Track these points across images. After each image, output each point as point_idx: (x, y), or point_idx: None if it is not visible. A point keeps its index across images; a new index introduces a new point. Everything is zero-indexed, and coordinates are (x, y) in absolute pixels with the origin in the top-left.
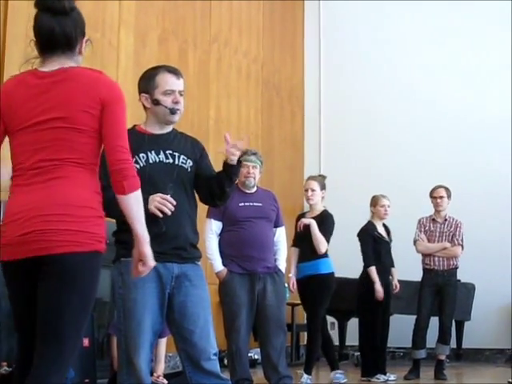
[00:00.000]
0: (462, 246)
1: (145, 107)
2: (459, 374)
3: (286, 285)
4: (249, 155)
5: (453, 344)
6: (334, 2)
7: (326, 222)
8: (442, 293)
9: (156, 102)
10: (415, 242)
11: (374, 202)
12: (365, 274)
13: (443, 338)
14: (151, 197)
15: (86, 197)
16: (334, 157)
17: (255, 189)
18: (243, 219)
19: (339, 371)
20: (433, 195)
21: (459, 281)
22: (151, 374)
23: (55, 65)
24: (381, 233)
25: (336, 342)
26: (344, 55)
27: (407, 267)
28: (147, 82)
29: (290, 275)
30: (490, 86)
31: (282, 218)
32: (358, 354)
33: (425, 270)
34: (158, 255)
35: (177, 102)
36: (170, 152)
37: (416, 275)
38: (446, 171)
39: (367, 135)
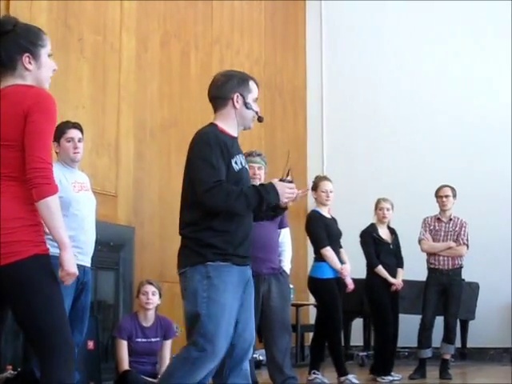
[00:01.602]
0: (467, 245)
1: (222, 106)
2: (464, 374)
3: (291, 286)
4: (254, 156)
5: (458, 343)
6: (335, 3)
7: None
8: (447, 292)
9: (249, 106)
10: (420, 241)
11: (376, 204)
12: (370, 276)
13: (448, 337)
14: (277, 184)
15: (16, 208)
16: (337, 158)
17: None
18: None
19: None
20: (438, 194)
21: (464, 280)
22: (155, 377)
23: (2, 84)
24: (381, 235)
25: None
26: (346, 56)
27: (412, 267)
28: (241, 83)
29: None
30: (492, 88)
31: (286, 219)
32: (364, 354)
33: (430, 270)
34: (247, 259)
35: (258, 111)
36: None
37: (421, 275)
38: (449, 172)
39: (370, 136)
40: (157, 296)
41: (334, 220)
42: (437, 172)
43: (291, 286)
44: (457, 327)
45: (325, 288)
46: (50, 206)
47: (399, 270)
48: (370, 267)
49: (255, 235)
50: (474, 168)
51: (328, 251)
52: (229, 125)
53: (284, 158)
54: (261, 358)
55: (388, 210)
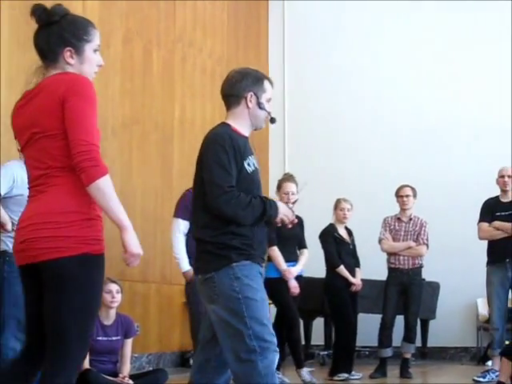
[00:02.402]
0: (427, 245)
1: (235, 105)
2: (424, 373)
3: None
4: None
5: (418, 342)
6: (298, 3)
7: None
8: (407, 292)
9: (262, 106)
10: (380, 241)
11: (335, 205)
12: (330, 276)
13: (408, 336)
14: (280, 205)
15: (69, 202)
16: (298, 158)
17: None
18: None
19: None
20: (399, 194)
21: (424, 280)
22: (116, 375)
23: (43, 76)
24: (342, 235)
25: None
26: (308, 56)
27: (372, 266)
28: (256, 82)
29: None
30: (452, 87)
31: None
32: (324, 353)
33: (390, 269)
34: (264, 262)
35: (270, 112)
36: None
37: (381, 274)
38: (409, 172)
39: (332, 136)
40: (120, 294)
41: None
42: (397, 172)
43: None
44: (417, 326)
45: (271, 287)
46: (101, 187)
47: (357, 269)
48: (331, 267)
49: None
50: (435, 168)
51: (273, 251)
52: (241, 124)
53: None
54: None
55: (348, 210)
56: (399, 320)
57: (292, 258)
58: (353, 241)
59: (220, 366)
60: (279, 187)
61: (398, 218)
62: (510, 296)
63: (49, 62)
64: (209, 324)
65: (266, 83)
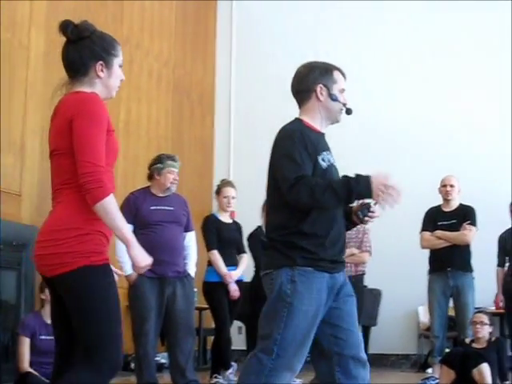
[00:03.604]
0: (370, 252)
1: (306, 100)
2: None
3: (195, 289)
4: (175, 161)
5: None
6: (246, 5)
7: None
8: None
9: (334, 98)
10: None
11: (262, 208)
12: (257, 279)
13: None
14: (372, 178)
15: (70, 219)
16: (243, 162)
17: (167, 193)
18: (155, 223)
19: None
20: None
21: (366, 287)
22: None
23: (68, 90)
24: None
25: (243, 347)
26: (256, 60)
27: None
28: (325, 73)
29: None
30: (399, 87)
31: (192, 223)
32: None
33: None
34: (339, 265)
35: (345, 104)
36: (331, 154)
37: None
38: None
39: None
40: None
41: (235, 225)
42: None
43: (195, 290)
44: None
45: (208, 291)
46: (106, 207)
47: None
48: (259, 271)
49: (162, 238)
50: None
51: (213, 255)
52: (314, 119)
53: (192, 161)
54: (163, 361)
55: None
56: None
57: (232, 263)
58: None
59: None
60: (218, 192)
61: None
62: (450, 304)
63: (77, 75)
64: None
65: (336, 73)
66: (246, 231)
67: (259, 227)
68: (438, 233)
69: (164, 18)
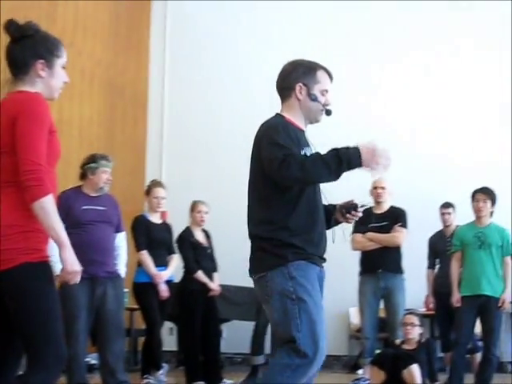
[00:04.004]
0: None
1: (286, 98)
2: None
3: (126, 290)
4: (109, 161)
5: None
6: (182, 3)
7: None
8: None
9: (314, 98)
10: None
11: (192, 207)
12: (186, 280)
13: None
14: (361, 147)
15: (11, 215)
16: (175, 162)
17: (100, 193)
18: (86, 222)
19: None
20: None
21: None
22: None
23: (10, 88)
24: (199, 239)
25: (174, 348)
26: (190, 61)
27: (246, 274)
28: (307, 73)
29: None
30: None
31: (122, 223)
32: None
33: None
34: (323, 261)
35: (327, 105)
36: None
37: None
38: None
39: (209, 141)
40: None
41: (165, 226)
42: None
43: (126, 290)
44: None
45: (137, 291)
46: (44, 207)
47: (215, 274)
48: (188, 272)
49: (93, 238)
50: None
51: (142, 255)
52: (295, 117)
53: (123, 161)
54: (93, 361)
55: (206, 213)
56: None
57: (162, 263)
58: (210, 244)
59: None
60: (148, 192)
61: None
62: (381, 306)
63: (19, 73)
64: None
65: (321, 73)
66: (178, 232)
67: (188, 228)
68: (369, 235)
69: (97, 17)
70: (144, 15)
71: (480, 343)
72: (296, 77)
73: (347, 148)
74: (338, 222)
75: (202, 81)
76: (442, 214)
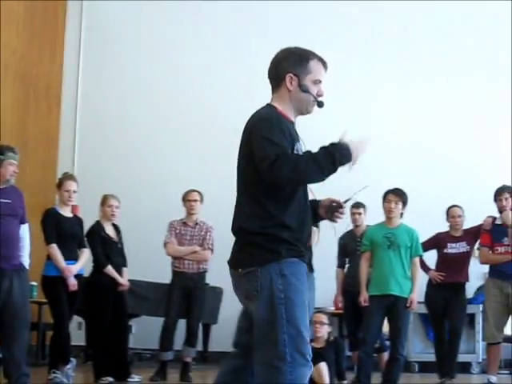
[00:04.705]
0: (212, 249)
1: (277, 87)
2: (205, 377)
3: (34, 283)
4: (16, 153)
5: (199, 347)
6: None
7: None
8: (191, 296)
9: (304, 89)
10: (165, 244)
11: (102, 201)
12: (95, 275)
13: (190, 340)
14: (349, 142)
15: None
16: (88, 155)
17: (6, 185)
18: None
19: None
20: (186, 198)
21: (208, 284)
22: None
23: None
24: (109, 233)
25: (83, 342)
26: (105, 52)
27: (156, 269)
28: (299, 62)
29: None
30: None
31: (26, 215)
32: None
33: (174, 273)
34: (305, 257)
35: (321, 95)
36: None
37: (165, 277)
38: (197, 175)
39: (123, 135)
40: None
41: (76, 219)
42: (186, 176)
43: (34, 283)
44: (199, 331)
45: (46, 285)
46: None
47: (124, 269)
48: (98, 267)
49: (0, 232)
50: (221, 174)
51: (52, 248)
52: (285, 108)
53: (35, 153)
54: None
55: (117, 207)
56: (181, 323)
57: (72, 257)
58: (120, 239)
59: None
60: (60, 185)
61: (184, 223)
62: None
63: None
64: (244, 325)
65: (314, 63)
66: (89, 225)
67: (98, 222)
68: None
69: (12, 7)
70: (60, 7)
71: (388, 342)
72: (287, 66)
73: (336, 145)
74: (322, 218)
75: (116, 73)
76: (353, 214)
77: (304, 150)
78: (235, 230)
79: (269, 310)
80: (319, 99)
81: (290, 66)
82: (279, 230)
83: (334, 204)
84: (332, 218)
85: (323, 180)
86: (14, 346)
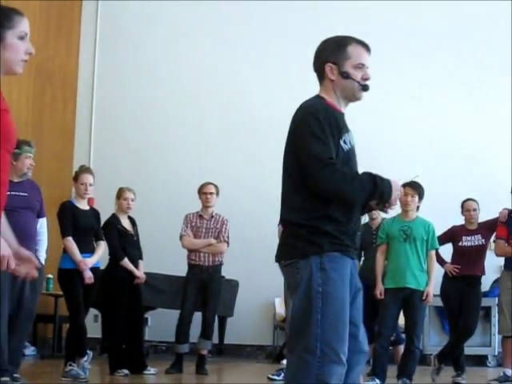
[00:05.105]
0: (228, 242)
1: (321, 79)
2: (220, 369)
3: (51, 276)
4: (32, 146)
5: (215, 339)
6: None
7: None
8: (206, 288)
9: (346, 75)
10: (181, 237)
11: (118, 194)
12: (112, 268)
13: (206, 333)
14: (394, 181)
15: None
16: (104, 148)
17: (23, 178)
18: (9, 209)
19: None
20: (202, 191)
21: (223, 277)
22: None
23: None
24: (125, 226)
25: (99, 335)
26: (121, 49)
27: (172, 262)
28: (336, 50)
29: None
30: (261, 88)
31: (44, 209)
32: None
33: (190, 266)
34: (356, 252)
35: (367, 79)
36: (351, 134)
37: (181, 270)
38: (213, 168)
39: (138, 128)
40: None
41: (92, 212)
42: (201, 170)
43: (51, 276)
44: (215, 323)
45: (62, 278)
46: None
47: (140, 262)
48: (115, 259)
49: (16, 225)
50: (238, 166)
51: (68, 241)
52: (332, 98)
53: (52, 146)
54: None
55: (132, 200)
56: (197, 316)
57: (88, 250)
58: (136, 231)
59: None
60: (76, 178)
61: (200, 215)
62: None
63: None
64: None
65: (352, 47)
66: (105, 218)
67: (114, 215)
68: None
69: (28, 1)
70: (75, 4)
71: (403, 335)
72: (325, 56)
73: (382, 179)
74: (370, 209)
75: (131, 67)
76: None
77: (353, 142)
78: (282, 221)
79: (305, 302)
80: (364, 83)
81: (328, 55)
82: (324, 222)
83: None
84: (383, 209)
85: (357, 204)
86: (12, 336)
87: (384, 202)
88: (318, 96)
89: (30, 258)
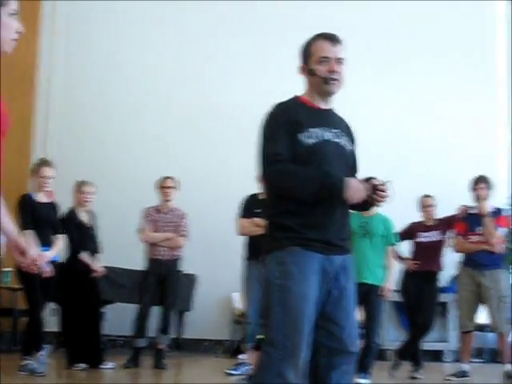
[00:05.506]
0: (186, 236)
1: (304, 80)
2: (179, 364)
3: (10, 269)
4: None
5: (173, 334)
6: None
7: None
8: (165, 282)
9: (312, 73)
10: (140, 231)
11: (76, 187)
12: (70, 261)
13: (164, 327)
14: (355, 181)
15: None
16: (63, 141)
17: None
18: None
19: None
20: (161, 185)
21: (182, 271)
22: None
23: None
24: (83, 219)
25: (57, 329)
26: (81, 37)
27: (132, 255)
28: (303, 52)
29: None
30: (224, 85)
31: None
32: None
33: (148, 260)
34: (336, 248)
35: (332, 71)
36: (337, 131)
37: (140, 264)
38: (175, 162)
39: (97, 121)
40: None
41: (51, 205)
42: (161, 163)
43: (9, 269)
44: (173, 318)
45: (20, 271)
46: None
47: (97, 255)
48: (73, 253)
49: None
50: (198, 159)
51: (27, 235)
52: (311, 95)
53: (9, 138)
54: None
55: (91, 193)
56: (155, 310)
57: (47, 243)
58: (95, 225)
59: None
60: (35, 171)
61: (159, 209)
62: None
63: None
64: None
65: (314, 44)
66: (63, 212)
67: (72, 208)
68: (256, 220)
69: None
70: None
71: (362, 330)
72: (300, 59)
73: (331, 176)
74: (371, 205)
75: (90, 58)
76: None
77: (329, 136)
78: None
79: (267, 296)
80: (325, 76)
81: (300, 58)
82: (286, 217)
83: (374, 185)
84: (374, 200)
85: (306, 200)
86: None
87: (338, 199)
88: (295, 95)
89: (26, 250)
